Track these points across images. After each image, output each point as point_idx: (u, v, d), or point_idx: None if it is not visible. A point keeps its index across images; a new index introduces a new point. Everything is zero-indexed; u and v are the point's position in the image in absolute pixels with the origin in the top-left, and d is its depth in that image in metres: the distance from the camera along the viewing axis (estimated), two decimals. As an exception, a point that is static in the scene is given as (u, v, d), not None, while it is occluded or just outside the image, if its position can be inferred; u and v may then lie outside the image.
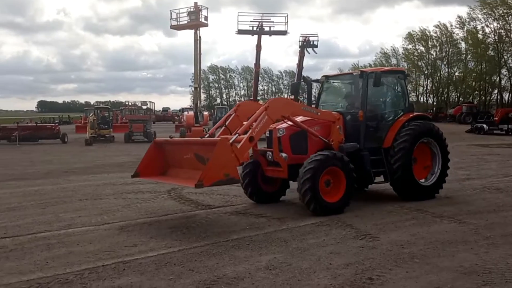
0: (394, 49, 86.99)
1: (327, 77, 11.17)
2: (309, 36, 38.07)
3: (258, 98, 42.63)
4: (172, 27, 35.67)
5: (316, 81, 11.31)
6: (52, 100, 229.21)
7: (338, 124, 9.58)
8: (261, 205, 9.61)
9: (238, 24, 35.37)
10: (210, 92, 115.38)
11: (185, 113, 45.66)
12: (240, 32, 35.77)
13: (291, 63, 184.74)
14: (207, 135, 9.94)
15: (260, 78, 47.70)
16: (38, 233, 7.76)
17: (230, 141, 8.00)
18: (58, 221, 8.52)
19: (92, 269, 5.90)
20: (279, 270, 5.80)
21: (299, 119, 9.35)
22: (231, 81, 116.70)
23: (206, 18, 34.86)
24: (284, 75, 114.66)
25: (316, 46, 38.19)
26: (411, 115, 10.29)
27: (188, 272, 5.75)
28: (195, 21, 34.01)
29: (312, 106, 10.69)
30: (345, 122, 9.89)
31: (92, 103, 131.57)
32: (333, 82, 11.51)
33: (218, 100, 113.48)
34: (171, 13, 35.28)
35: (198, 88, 37.77)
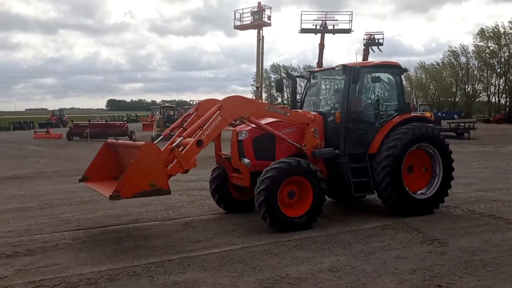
0: (463, 47, 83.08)
1: (312, 73, 9.96)
2: (374, 34, 37.31)
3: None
4: (236, 27, 36.20)
5: (301, 77, 10.13)
6: (121, 99, 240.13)
7: (313, 126, 8.40)
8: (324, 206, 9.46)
9: (301, 23, 35.26)
10: (272, 91, 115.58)
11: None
12: (303, 31, 35.63)
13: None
14: (161, 137, 8.60)
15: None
16: (108, 226, 8.12)
17: (173, 144, 7.21)
18: (126, 216, 8.87)
19: (159, 263, 6.08)
20: (343, 272, 5.71)
21: (266, 120, 8.34)
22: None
23: (269, 17, 35.18)
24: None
25: (382, 44, 37.43)
26: (405, 117, 8.92)
27: (250, 270, 5.79)
28: (258, 20, 34.40)
29: (297, 104, 9.80)
30: (326, 124, 8.74)
31: (158, 102, 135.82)
32: (319, 78, 9.99)
33: (279, 100, 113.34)
34: (234, 13, 35.96)
35: (260, 87, 38.00)
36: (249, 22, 35.33)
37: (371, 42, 37.24)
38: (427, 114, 43.13)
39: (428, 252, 6.49)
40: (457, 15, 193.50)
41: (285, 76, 9.91)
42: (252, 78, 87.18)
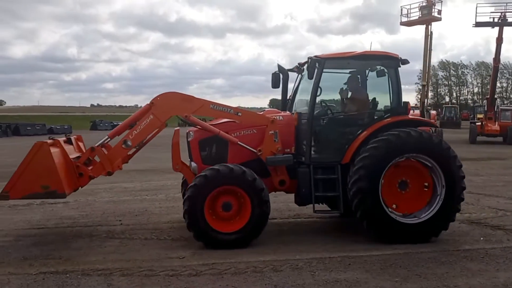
0: None
1: (300, 66, 8.41)
2: None
3: (496, 97, 38.26)
4: (402, 23, 34.94)
5: (292, 70, 8.63)
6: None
7: (273, 128, 7.26)
8: (484, 214, 8.61)
9: (476, 16, 32.44)
10: (438, 89, 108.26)
11: (411, 111, 44.09)
12: (478, 24, 32.71)
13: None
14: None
15: (498, 75, 42.90)
16: (271, 219, 8.43)
17: (96, 144, 6.81)
18: (288, 210, 9.19)
19: (320, 259, 6.19)
20: (522, 291, 5.16)
21: (222, 121, 7.49)
22: (463, 78, 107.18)
23: (439, 12, 33.10)
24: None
25: None
26: (396, 119, 7.29)
27: (415, 277, 5.56)
28: (427, 16, 32.72)
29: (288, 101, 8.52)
30: (299, 126, 7.52)
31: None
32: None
33: (447, 99, 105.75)
34: (401, 9, 34.69)
35: (426, 86, 35.97)
36: (417, 17, 33.80)
37: (561, 34, 32.62)
38: None
39: None
40: None
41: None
42: (417, 76, 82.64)
